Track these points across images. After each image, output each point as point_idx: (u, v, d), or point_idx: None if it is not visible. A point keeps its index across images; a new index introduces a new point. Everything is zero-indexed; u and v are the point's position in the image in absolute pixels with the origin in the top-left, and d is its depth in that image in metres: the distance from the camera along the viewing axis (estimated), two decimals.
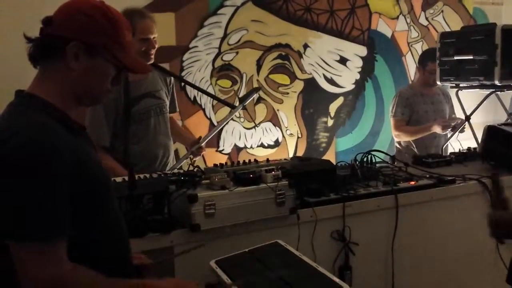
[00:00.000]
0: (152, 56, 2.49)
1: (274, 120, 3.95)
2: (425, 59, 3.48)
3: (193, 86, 3.26)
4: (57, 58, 1.14)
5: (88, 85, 1.18)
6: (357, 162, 2.35)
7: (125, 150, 2.47)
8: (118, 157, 2.46)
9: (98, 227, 1.16)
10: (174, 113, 2.84)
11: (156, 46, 2.50)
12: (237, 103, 3.37)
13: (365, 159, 2.36)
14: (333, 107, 4.20)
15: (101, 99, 1.24)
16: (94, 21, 1.14)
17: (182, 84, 3.37)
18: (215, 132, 3.30)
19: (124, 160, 2.44)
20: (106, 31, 1.15)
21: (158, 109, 2.59)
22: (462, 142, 3.43)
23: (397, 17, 4.44)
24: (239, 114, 3.77)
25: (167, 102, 2.67)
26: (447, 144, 3.55)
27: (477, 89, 3.07)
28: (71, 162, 1.06)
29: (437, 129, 3.35)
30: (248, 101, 3.22)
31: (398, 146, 3.66)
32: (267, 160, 2.22)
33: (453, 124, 3.33)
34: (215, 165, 2.13)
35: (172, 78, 2.75)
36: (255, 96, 3.48)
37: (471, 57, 2.88)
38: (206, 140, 2.94)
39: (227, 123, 3.48)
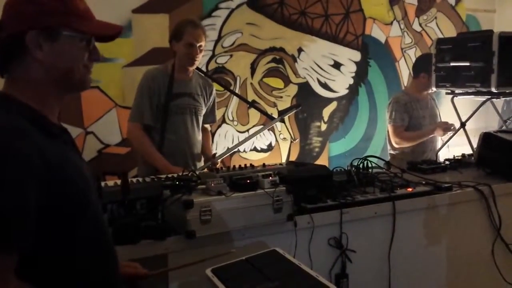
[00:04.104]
0: (196, 62, 2.69)
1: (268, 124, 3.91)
2: (424, 64, 3.46)
3: (234, 93, 3.51)
4: (21, 56, 1.06)
5: (63, 68, 1.09)
6: (353, 168, 2.32)
7: (162, 139, 2.68)
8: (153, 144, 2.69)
9: (78, 237, 1.05)
10: (213, 123, 3.01)
11: (201, 55, 2.70)
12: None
13: (361, 165, 2.33)
14: (326, 112, 4.18)
15: (85, 81, 1.15)
16: (41, 3, 1.06)
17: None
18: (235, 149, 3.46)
19: (160, 148, 2.67)
20: (58, 9, 1.08)
21: (193, 110, 2.77)
22: (455, 148, 3.42)
23: (391, 23, 4.44)
24: (233, 118, 3.73)
25: (203, 107, 2.83)
26: (441, 149, 3.54)
27: (473, 96, 3.06)
28: (40, 167, 0.96)
29: (438, 132, 3.34)
30: (287, 115, 3.43)
31: (392, 152, 3.63)
32: (263, 165, 2.18)
33: (452, 127, 3.33)
34: (211, 169, 2.09)
35: (214, 89, 2.92)
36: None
37: (468, 64, 2.87)
38: (222, 158, 3.05)
39: (258, 134, 3.62)
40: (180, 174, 2.07)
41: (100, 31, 1.14)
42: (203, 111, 2.84)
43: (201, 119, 2.83)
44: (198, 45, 2.64)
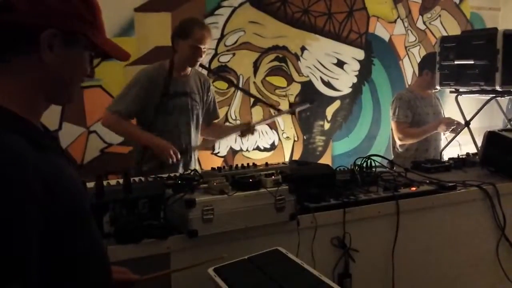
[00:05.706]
0: (197, 63, 2.71)
1: (271, 123, 3.90)
2: (428, 62, 3.44)
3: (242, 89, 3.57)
4: (23, 51, 0.93)
5: (63, 79, 0.99)
6: (357, 167, 2.31)
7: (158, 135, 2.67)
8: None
9: (77, 259, 0.95)
10: (217, 119, 3.03)
11: (204, 56, 2.70)
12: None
13: (364, 164, 2.32)
14: (329, 111, 4.17)
15: (74, 96, 1.05)
16: (69, 3, 0.96)
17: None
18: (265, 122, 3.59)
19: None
20: (83, 14, 0.99)
21: (191, 109, 2.76)
22: (459, 147, 3.41)
23: (395, 21, 4.42)
24: (235, 116, 3.72)
25: (201, 106, 2.83)
26: (445, 148, 3.52)
27: (477, 94, 3.04)
28: (42, 198, 0.85)
29: (441, 128, 3.33)
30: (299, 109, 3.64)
31: (396, 150, 3.62)
32: (266, 164, 2.17)
33: (455, 122, 3.31)
34: (213, 168, 2.07)
35: (211, 85, 2.92)
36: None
37: (472, 62, 2.85)
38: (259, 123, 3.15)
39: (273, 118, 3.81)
40: (182, 173, 2.06)
41: (114, 52, 1.05)
42: (201, 110, 2.84)
43: (200, 118, 2.83)
44: (203, 47, 2.64)
